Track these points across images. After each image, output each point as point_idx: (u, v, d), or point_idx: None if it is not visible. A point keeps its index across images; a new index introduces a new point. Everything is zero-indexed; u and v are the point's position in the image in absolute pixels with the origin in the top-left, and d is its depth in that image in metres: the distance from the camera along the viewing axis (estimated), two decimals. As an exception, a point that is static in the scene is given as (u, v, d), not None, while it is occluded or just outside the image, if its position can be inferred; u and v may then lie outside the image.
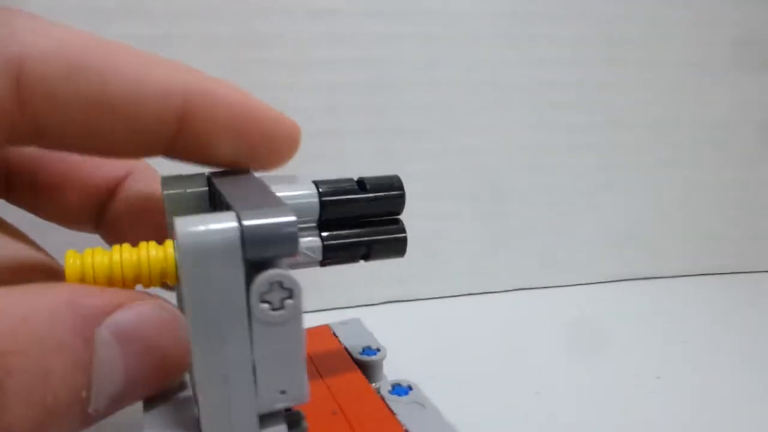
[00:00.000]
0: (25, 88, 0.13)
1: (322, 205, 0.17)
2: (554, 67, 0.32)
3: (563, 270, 0.35)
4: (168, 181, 0.16)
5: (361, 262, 0.18)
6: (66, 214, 0.19)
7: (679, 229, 0.36)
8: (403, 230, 0.19)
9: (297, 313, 0.12)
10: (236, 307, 0.12)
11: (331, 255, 0.17)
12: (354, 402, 0.18)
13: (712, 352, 0.27)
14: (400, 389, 0.19)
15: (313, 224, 0.17)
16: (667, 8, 0.33)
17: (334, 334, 0.22)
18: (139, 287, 0.13)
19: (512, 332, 0.29)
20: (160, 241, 0.13)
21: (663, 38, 0.33)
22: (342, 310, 0.30)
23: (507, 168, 0.33)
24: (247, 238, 0.11)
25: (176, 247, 0.12)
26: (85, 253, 0.13)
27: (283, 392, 0.13)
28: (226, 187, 0.14)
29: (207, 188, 0.16)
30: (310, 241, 0.17)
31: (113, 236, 0.19)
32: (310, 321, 0.13)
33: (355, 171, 0.19)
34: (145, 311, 0.13)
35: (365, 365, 0.20)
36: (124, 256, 0.13)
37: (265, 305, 0.12)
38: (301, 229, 0.17)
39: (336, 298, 0.31)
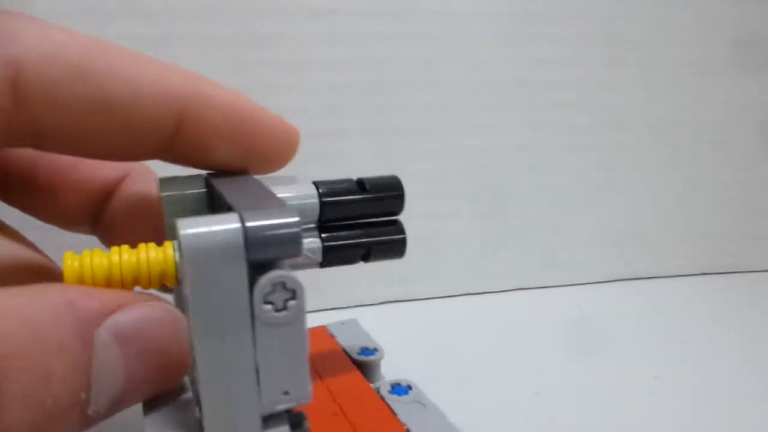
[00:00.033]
0: (23, 90, 0.13)
1: (322, 205, 0.17)
2: (554, 67, 0.32)
3: (563, 270, 0.35)
4: (166, 182, 0.16)
5: (360, 263, 0.18)
6: (63, 215, 0.19)
7: (679, 229, 0.36)
8: (403, 231, 0.19)
9: (300, 314, 0.12)
10: (239, 308, 0.12)
11: (331, 256, 0.17)
12: (354, 402, 0.18)
13: (712, 352, 0.27)
14: (400, 389, 0.19)
15: (313, 225, 0.17)
16: (667, 8, 0.33)
17: (332, 335, 0.22)
18: (137, 289, 0.13)
19: (512, 332, 0.29)
20: (158, 243, 0.13)
21: (663, 38, 0.33)
22: (342, 310, 0.30)
23: (507, 168, 0.33)
24: (251, 239, 0.11)
25: (179, 249, 0.12)
26: (83, 255, 0.13)
27: (286, 393, 0.13)
28: (227, 188, 0.14)
29: (205, 190, 0.16)
30: (310, 243, 0.17)
31: (110, 237, 0.19)
32: (309, 321, 0.13)
33: (355, 171, 0.19)
34: (145, 312, 0.12)
35: (364, 365, 0.20)
36: (123, 257, 0.13)
37: (269, 306, 0.12)
38: (302, 230, 0.17)
39: (336, 298, 0.31)
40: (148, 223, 0.17)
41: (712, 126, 0.35)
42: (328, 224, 0.18)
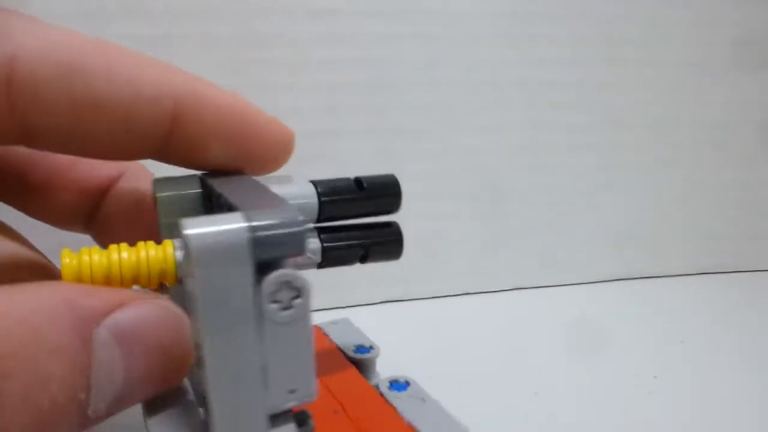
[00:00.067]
0: (15, 88, 0.13)
1: (321, 204, 0.17)
2: (554, 67, 0.32)
3: (563, 270, 0.35)
4: (161, 183, 0.16)
5: (357, 264, 0.18)
6: (57, 213, 0.18)
7: (679, 228, 0.36)
8: (400, 233, 0.19)
9: (305, 312, 0.12)
10: (246, 307, 0.12)
11: (330, 257, 0.17)
12: (355, 400, 0.18)
13: (712, 352, 0.27)
14: (399, 385, 0.19)
15: (312, 225, 0.17)
16: (667, 8, 0.33)
17: (325, 334, 0.22)
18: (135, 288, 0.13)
19: (512, 332, 0.29)
20: (154, 242, 0.13)
21: (663, 38, 0.33)
22: (342, 310, 0.30)
23: (507, 168, 0.33)
24: (257, 238, 0.11)
25: (183, 248, 0.12)
26: (81, 252, 0.13)
27: (292, 391, 0.13)
28: (226, 188, 0.14)
29: (200, 190, 0.16)
30: (310, 243, 0.17)
31: (104, 236, 0.19)
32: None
33: (355, 171, 0.19)
34: (146, 311, 0.12)
35: (360, 363, 0.20)
36: (123, 255, 0.13)
37: (275, 305, 0.12)
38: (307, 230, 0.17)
39: (336, 298, 0.31)
40: (144, 222, 0.17)
41: (712, 126, 0.35)
42: (325, 225, 0.18)
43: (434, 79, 0.30)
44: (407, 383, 0.19)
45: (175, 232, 0.13)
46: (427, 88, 0.30)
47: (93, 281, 0.12)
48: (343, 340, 0.22)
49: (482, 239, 0.33)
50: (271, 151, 0.16)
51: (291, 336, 0.12)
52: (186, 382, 0.15)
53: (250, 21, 0.27)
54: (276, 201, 0.13)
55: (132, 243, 0.13)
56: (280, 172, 0.17)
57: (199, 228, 0.11)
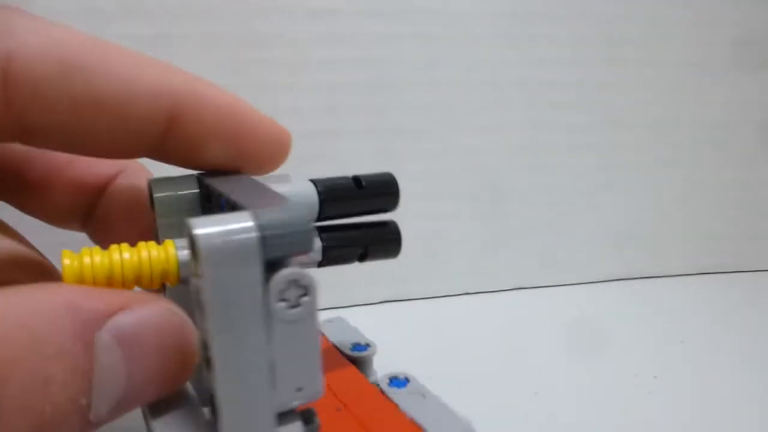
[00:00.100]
0: (12, 85, 0.13)
1: (321, 203, 0.17)
2: (554, 67, 0.32)
3: (563, 270, 0.35)
4: (158, 183, 0.16)
5: (356, 263, 0.19)
6: (54, 211, 0.18)
7: (679, 228, 0.36)
8: (398, 231, 0.19)
9: (313, 310, 0.12)
10: (254, 306, 0.12)
11: (330, 256, 0.18)
12: (356, 397, 0.18)
13: (712, 352, 0.27)
14: (398, 382, 0.19)
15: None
16: (667, 8, 0.33)
17: (322, 333, 0.22)
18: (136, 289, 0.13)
19: (511, 332, 0.29)
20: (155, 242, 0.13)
21: (663, 38, 0.33)
22: (342, 310, 0.30)
23: (506, 168, 0.33)
24: (267, 237, 0.11)
25: (191, 248, 0.12)
26: (82, 253, 0.12)
27: (299, 389, 0.13)
28: (227, 188, 0.14)
29: (197, 190, 0.16)
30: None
31: (101, 234, 0.18)
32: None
33: (355, 171, 0.19)
34: (148, 313, 0.12)
35: (357, 361, 0.20)
36: (125, 256, 0.12)
37: (283, 303, 0.12)
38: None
39: (336, 297, 0.31)
40: (141, 221, 0.17)
41: (712, 126, 0.35)
42: (324, 224, 0.18)
43: (434, 79, 0.30)
44: (407, 379, 0.19)
45: (174, 232, 0.13)
46: (427, 88, 0.30)
47: (95, 282, 0.12)
48: (340, 338, 0.22)
49: (482, 239, 0.33)
50: (268, 151, 0.16)
51: (298, 334, 0.12)
52: (187, 384, 0.15)
53: (250, 21, 0.27)
54: (279, 199, 0.13)
55: (129, 242, 0.13)
56: (282, 171, 0.17)
57: (208, 228, 0.11)
